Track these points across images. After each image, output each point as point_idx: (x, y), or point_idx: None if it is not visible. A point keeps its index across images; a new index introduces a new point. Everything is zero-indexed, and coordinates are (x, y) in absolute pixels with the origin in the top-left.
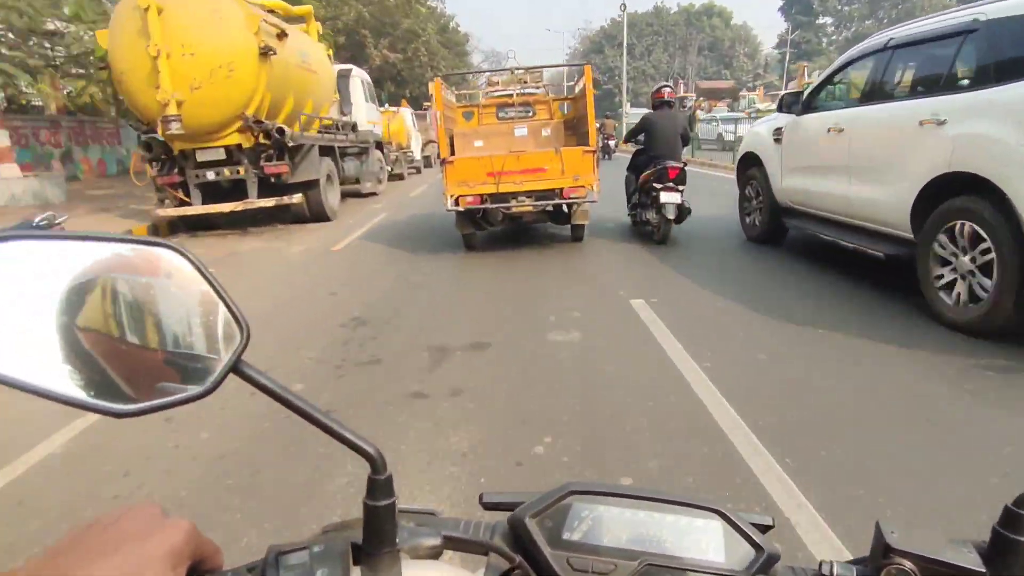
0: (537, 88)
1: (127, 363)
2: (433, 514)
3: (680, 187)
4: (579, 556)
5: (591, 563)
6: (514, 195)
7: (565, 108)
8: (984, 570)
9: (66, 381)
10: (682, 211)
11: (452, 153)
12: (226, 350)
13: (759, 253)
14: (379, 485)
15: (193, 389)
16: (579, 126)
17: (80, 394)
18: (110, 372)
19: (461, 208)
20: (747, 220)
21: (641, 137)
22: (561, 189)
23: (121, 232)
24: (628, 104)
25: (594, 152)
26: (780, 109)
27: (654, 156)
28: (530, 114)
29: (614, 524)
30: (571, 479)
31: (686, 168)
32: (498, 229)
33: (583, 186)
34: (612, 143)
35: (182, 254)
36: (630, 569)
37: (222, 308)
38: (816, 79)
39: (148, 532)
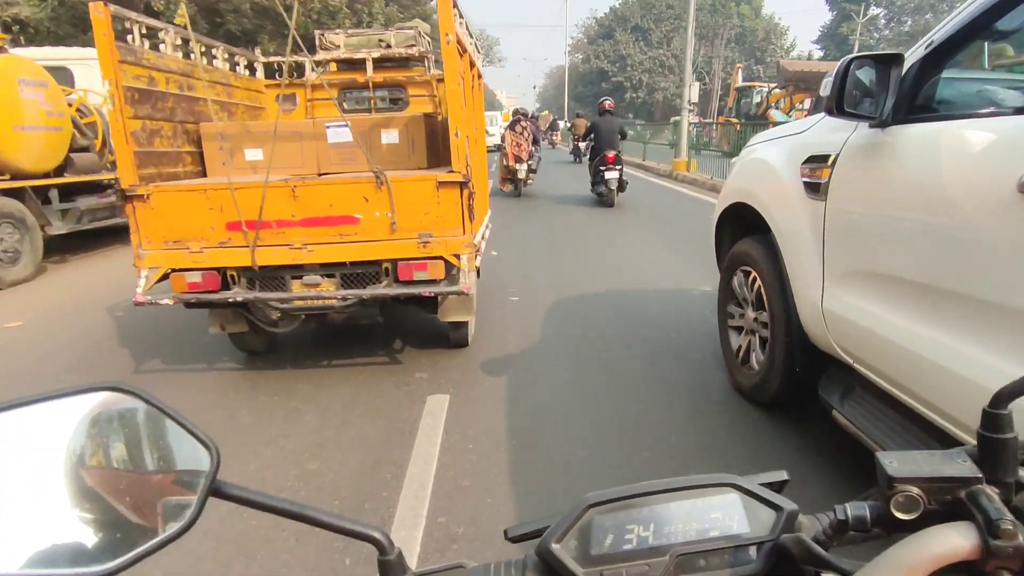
0: (411, 51)
1: (90, 528)
2: (462, 566)
3: (617, 167)
4: (612, 568)
5: (623, 570)
6: (296, 269)
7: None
8: (980, 474)
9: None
10: (621, 183)
11: (203, 175)
12: (199, 476)
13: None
14: (391, 565)
15: (172, 527)
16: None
17: (49, 570)
18: (76, 541)
19: (172, 297)
20: (737, 355)
21: (592, 136)
22: (393, 262)
23: None
24: (690, 110)
25: (463, 184)
26: (828, 110)
27: (598, 148)
28: (399, 105)
29: (638, 525)
30: (588, 494)
31: (620, 155)
32: (290, 331)
33: (440, 257)
34: (583, 145)
35: (132, 393)
36: (662, 566)
37: (185, 435)
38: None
39: None
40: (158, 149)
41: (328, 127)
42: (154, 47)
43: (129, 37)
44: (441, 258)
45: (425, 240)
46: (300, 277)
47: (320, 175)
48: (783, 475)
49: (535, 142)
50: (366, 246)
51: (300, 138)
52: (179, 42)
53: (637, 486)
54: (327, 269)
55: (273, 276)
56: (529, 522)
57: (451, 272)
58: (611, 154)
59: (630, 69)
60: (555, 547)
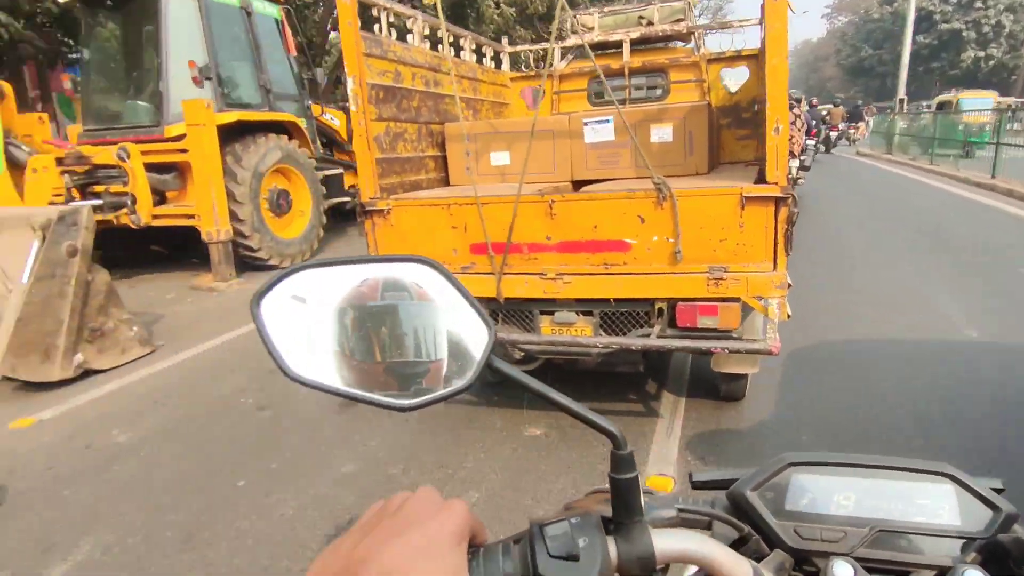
0: (677, 27)
1: (397, 368)
2: (650, 493)
3: None
4: (806, 525)
5: (819, 531)
6: (546, 303)
7: (731, 81)
8: None
9: (353, 382)
10: None
11: (445, 182)
12: (477, 348)
13: None
14: (622, 460)
15: (457, 384)
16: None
17: (366, 393)
18: (385, 376)
19: None
20: None
21: None
22: (670, 301)
23: None
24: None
25: (779, 201)
26: None
27: None
28: (658, 93)
29: (838, 493)
30: (787, 453)
31: None
32: (532, 367)
33: (735, 299)
34: (834, 135)
35: (433, 266)
36: (860, 536)
37: (470, 311)
38: None
39: (432, 514)
40: (401, 155)
41: (586, 123)
42: (400, 37)
43: (376, 26)
44: (738, 300)
45: (718, 276)
46: (551, 313)
47: (574, 182)
48: (998, 483)
49: (809, 132)
50: (637, 280)
51: (552, 137)
52: (427, 32)
53: (844, 456)
54: (584, 305)
55: (519, 310)
56: (714, 470)
57: (746, 319)
58: None
59: (981, 7)
60: (749, 494)
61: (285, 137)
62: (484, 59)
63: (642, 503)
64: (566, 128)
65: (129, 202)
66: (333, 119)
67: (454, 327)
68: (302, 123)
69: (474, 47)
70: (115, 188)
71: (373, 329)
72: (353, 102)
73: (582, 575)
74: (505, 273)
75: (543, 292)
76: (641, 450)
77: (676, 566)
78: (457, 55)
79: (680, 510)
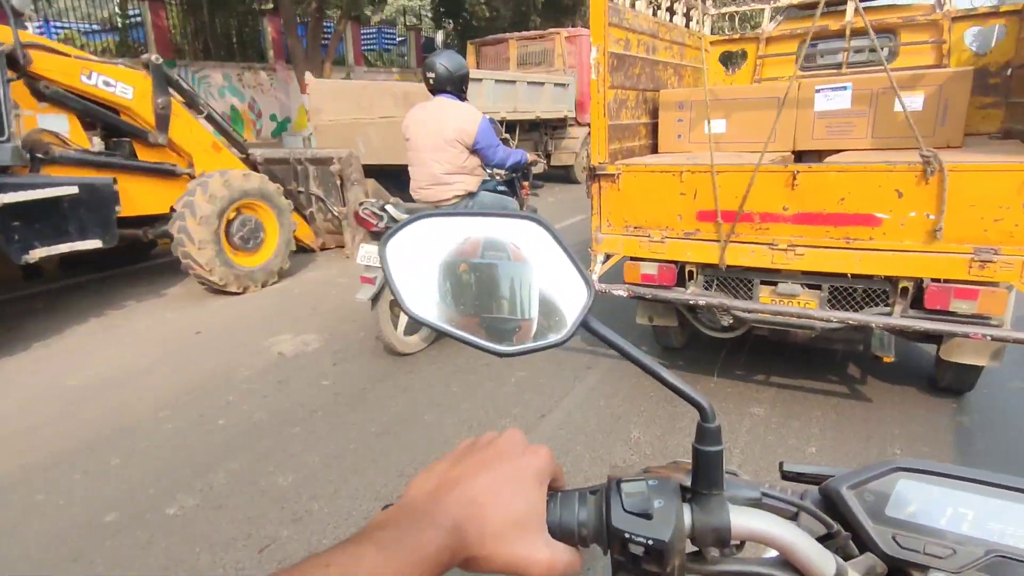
0: None
1: (490, 323)
2: (735, 474)
3: None
4: (907, 535)
5: (923, 543)
6: (768, 273)
7: (977, 41)
8: None
9: (461, 325)
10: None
11: (653, 149)
12: (575, 308)
13: None
14: (709, 432)
15: (552, 338)
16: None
17: (469, 336)
18: (479, 327)
19: (625, 288)
20: None
21: None
22: (916, 281)
23: None
24: None
25: None
26: None
27: None
28: (883, 56)
29: (952, 508)
30: (897, 457)
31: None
32: (733, 335)
33: (1002, 283)
34: None
35: (542, 225)
36: (971, 556)
37: (572, 271)
38: None
39: (519, 453)
40: (623, 122)
41: (819, 91)
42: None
43: None
44: (1007, 287)
45: (985, 258)
46: (772, 284)
47: (795, 153)
48: None
49: None
50: (883, 256)
51: (773, 105)
52: None
53: (963, 469)
54: (811, 278)
55: (737, 278)
56: (807, 464)
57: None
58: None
59: None
60: (846, 492)
61: None
62: (691, 23)
63: (723, 479)
64: (793, 95)
65: None
66: (113, 84)
67: (553, 285)
68: None
69: (685, 10)
70: None
71: (472, 284)
72: (595, 70)
73: (655, 533)
74: (731, 241)
75: (770, 262)
76: (857, 436)
77: (753, 547)
78: (670, 19)
79: (764, 495)
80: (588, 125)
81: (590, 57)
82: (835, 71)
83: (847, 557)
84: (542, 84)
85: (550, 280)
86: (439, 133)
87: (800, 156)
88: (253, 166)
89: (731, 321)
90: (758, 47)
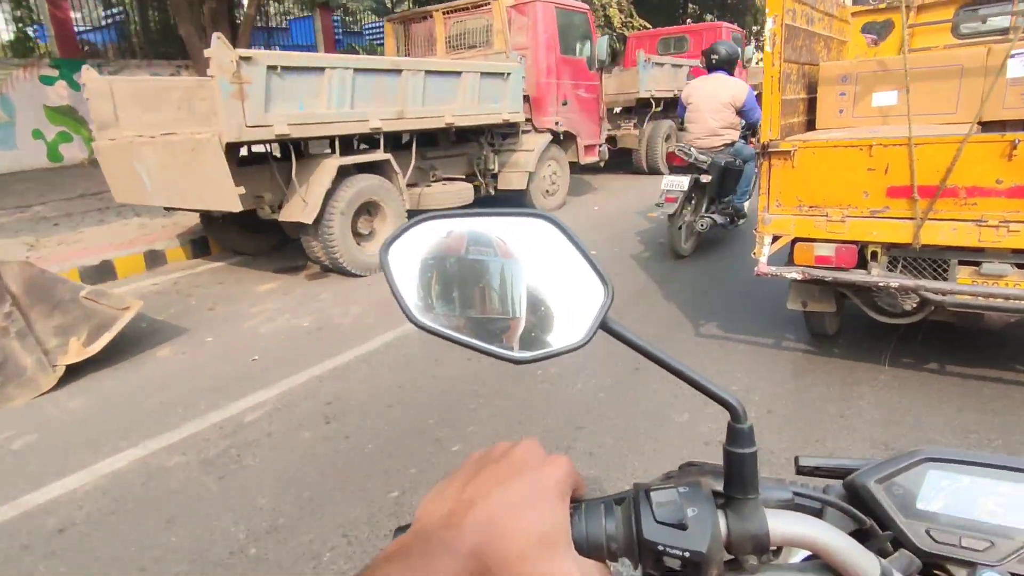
0: None
1: (477, 323)
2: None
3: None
4: (942, 528)
5: (959, 536)
6: (969, 253)
7: None
8: None
9: (472, 333)
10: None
11: (808, 126)
12: (593, 308)
13: None
14: (741, 434)
15: (571, 342)
16: None
17: (481, 343)
18: (502, 328)
19: (799, 271)
20: None
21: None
22: None
23: None
24: None
25: None
26: None
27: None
28: None
29: (987, 498)
30: (924, 447)
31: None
32: (909, 320)
33: None
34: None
35: (553, 222)
36: (1012, 548)
37: (587, 269)
38: None
39: (537, 465)
40: (787, 96)
41: (1014, 55)
42: None
43: None
44: None
45: None
46: (975, 264)
47: (982, 123)
48: None
49: None
50: None
51: (956, 75)
52: None
53: (994, 457)
54: (1021, 257)
55: (931, 258)
56: (822, 456)
57: None
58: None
59: None
60: (874, 486)
61: None
62: None
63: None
64: (980, 63)
65: None
66: None
67: (567, 285)
68: None
69: None
70: None
71: (455, 281)
72: (769, 43)
73: (691, 544)
74: (929, 219)
75: (977, 240)
76: None
77: (784, 550)
78: None
79: (796, 494)
80: (548, 131)
81: (606, 37)
82: (1002, 36)
83: (881, 555)
84: (457, 75)
85: (564, 280)
86: (716, 99)
87: (986, 127)
88: None
89: (915, 305)
90: (906, 15)
